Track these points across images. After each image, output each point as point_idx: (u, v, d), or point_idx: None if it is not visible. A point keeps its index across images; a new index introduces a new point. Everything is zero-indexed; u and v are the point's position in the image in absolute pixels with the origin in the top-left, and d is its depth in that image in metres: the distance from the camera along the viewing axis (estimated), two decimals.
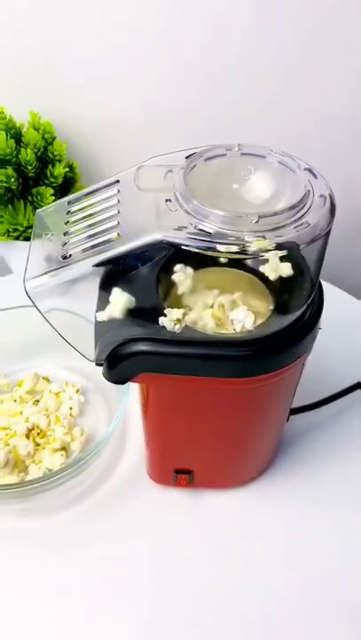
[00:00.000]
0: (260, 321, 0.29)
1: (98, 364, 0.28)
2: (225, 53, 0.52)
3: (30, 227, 0.53)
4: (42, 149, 0.52)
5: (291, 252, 0.25)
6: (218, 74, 0.53)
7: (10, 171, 0.51)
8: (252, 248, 0.25)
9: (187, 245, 0.25)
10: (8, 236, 0.54)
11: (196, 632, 0.32)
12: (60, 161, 0.53)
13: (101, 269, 0.27)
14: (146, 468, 0.39)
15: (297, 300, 0.28)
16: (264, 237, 0.25)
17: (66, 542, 0.36)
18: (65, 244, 0.27)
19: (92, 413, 0.44)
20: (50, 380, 0.46)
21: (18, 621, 0.33)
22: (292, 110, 0.55)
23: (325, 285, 0.31)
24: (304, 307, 0.28)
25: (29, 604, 0.33)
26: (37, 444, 0.40)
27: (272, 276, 0.29)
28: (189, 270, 0.30)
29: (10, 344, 0.46)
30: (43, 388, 0.45)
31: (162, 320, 0.27)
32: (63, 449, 0.40)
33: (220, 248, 0.25)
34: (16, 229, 0.53)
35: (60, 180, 0.53)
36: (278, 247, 0.25)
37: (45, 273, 0.26)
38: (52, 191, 0.52)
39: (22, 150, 0.51)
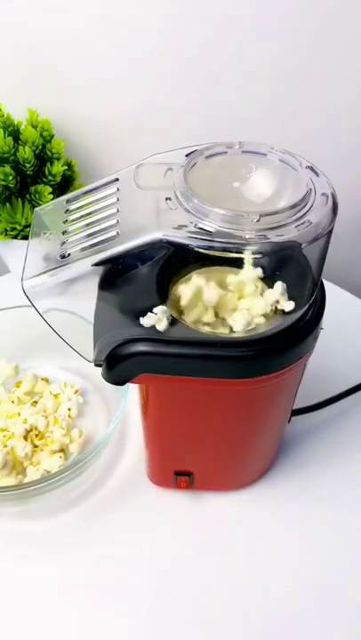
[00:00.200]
0: (260, 321, 0.29)
1: (97, 365, 0.28)
2: (225, 53, 0.51)
3: (28, 225, 0.53)
4: (40, 147, 0.52)
5: (292, 252, 0.25)
6: (218, 74, 0.53)
7: (8, 169, 0.50)
8: (253, 247, 0.24)
9: (187, 244, 0.25)
10: (6, 234, 0.53)
11: (196, 632, 0.32)
12: (58, 159, 0.53)
13: (100, 269, 0.27)
14: (145, 470, 0.39)
15: (299, 300, 0.28)
16: (265, 236, 0.25)
17: (65, 544, 0.36)
18: (63, 242, 0.27)
19: (90, 415, 0.44)
20: (48, 380, 0.46)
21: (18, 623, 0.32)
22: (292, 110, 0.55)
23: (327, 285, 0.30)
24: (306, 306, 0.28)
25: (29, 606, 0.33)
26: (35, 446, 0.40)
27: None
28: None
29: (8, 345, 0.46)
30: (41, 389, 0.45)
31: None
32: (62, 451, 0.40)
33: (221, 247, 0.25)
34: (14, 228, 0.53)
35: (58, 179, 0.53)
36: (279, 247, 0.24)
37: (44, 272, 0.26)
38: (50, 189, 0.51)
39: (20, 148, 0.50)
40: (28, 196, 0.53)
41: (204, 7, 0.49)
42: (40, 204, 0.47)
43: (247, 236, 0.24)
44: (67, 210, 0.29)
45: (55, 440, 0.40)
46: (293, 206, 0.25)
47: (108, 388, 0.42)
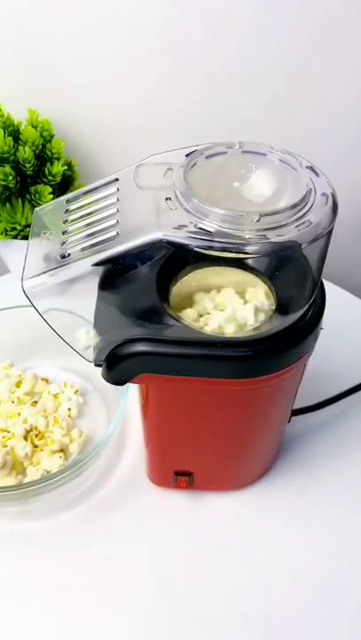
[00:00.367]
0: (261, 321, 0.29)
1: (97, 365, 0.28)
2: (225, 53, 0.51)
3: (28, 225, 0.53)
4: (40, 147, 0.52)
5: (292, 251, 0.25)
6: (218, 74, 0.53)
7: (8, 169, 0.50)
8: (253, 247, 0.24)
9: (187, 244, 0.25)
10: (6, 234, 0.53)
11: (196, 632, 0.32)
12: (58, 159, 0.53)
13: (100, 269, 0.27)
14: (145, 470, 0.39)
15: (299, 300, 0.28)
16: (265, 236, 0.25)
17: (65, 544, 0.36)
18: (63, 242, 0.27)
19: (90, 415, 0.44)
20: (48, 380, 0.46)
21: (18, 623, 0.32)
22: (292, 110, 0.55)
23: (327, 285, 0.30)
24: (306, 306, 0.28)
25: (29, 606, 0.33)
26: (35, 446, 0.40)
27: None
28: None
29: (7, 345, 0.46)
30: (41, 390, 0.45)
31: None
32: (62, 451, 0.40)
33: (221, 247, 0.25)
34: (14, 228, 0.53)
35: (58, 179, 0.53)
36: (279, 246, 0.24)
37: (44, 272, 0.26)
38: (50, 189, 0.51)
39: (20, 148, 0.50)
40: (28, 195, 0.53)
41: (204, 7, 0.49)
42: (40, 204, 0.47)
43: (247, 236, 0.24)
44: (67, 210, 0.29)
45: (55, 440, 0.40)
46: (293, 206, 0.25)
47: (108, 388, 0.42)
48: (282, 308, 0.29)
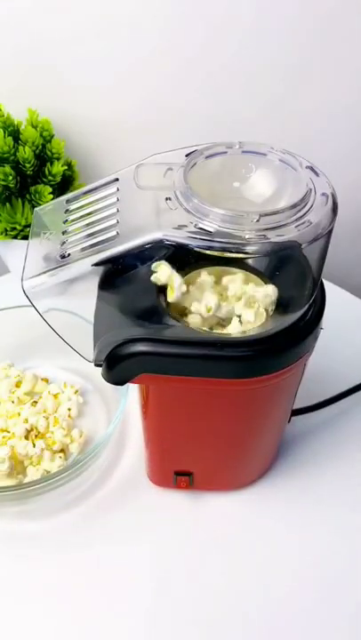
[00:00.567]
0: (261, 321, 0.28)
1: (97, 365, 0.28)
2: (225, 53, 0.51)
3: (28, 225, 0.53)
4: (40, 147, 0.52)
5: (292, 251, 0.25)
6: (218, 74, 0.53)
7: (8, 169, 0.50)
8: (253, 247, 0.24)
9: (187, 244, 0.25)
10: (6, 234, 0.53)
11: (196, 632, 0.32)
12: (58, 159, 0.53)
13: (100, 269, 0.27)
14: (145, 470, 0.39)
15: (299, 300, 0.28)
16: (265, 236, 0.25)
17: (65, 544, 0.36)
18: (63, 242, 0.27)
19: (90, 415, 0.44)
20: (48, 380, 0.46)
21: (18, 623, 0.32)
22: (292, 110, 0.55)
23: (327, 285, 0.30)
24: (306, 306, 0.28)
25: (29, 606, 0.33)
26: (41, 448, 0.40)
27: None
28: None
29: (7, 345, 0.46)
30: (41, 390, 0.45)
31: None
32: (62, 451, 0.40)
33: (221, 247, 0.25)
34: (14, 228, 0.53)
35: (58, 179, 0.53)
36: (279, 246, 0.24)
37: (44, 272, 0.26)
38: (50, 189, 0.51)
39: (20, 148, 0.50)
40: (28, 195, 0.53)
41: (204, 7, 0.49)
42: (40, 204, 0.47)
43: (247, 236, 0.24)
44: (67, 210, 0.29)
45: (55, 440, 0.40)
46: (293, 206, 0.25)
47: (108, 388, 0.42)
48: (282, 308, 0.29)
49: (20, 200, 0.53)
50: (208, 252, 0.25)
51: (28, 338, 0.43)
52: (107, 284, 0.28)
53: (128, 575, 0.35)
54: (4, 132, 0.50)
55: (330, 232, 0.26)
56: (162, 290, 0.29)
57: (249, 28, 0.50)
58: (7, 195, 0.53)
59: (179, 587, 0.34)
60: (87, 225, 0.27)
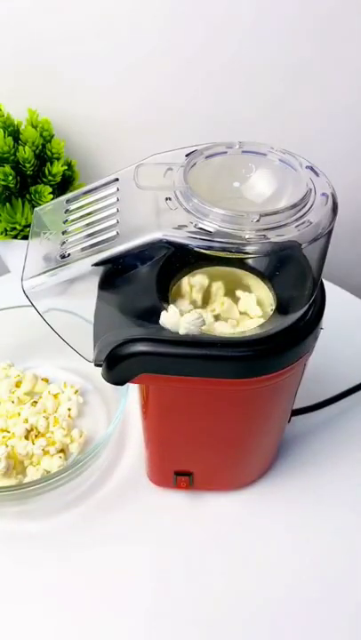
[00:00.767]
0: (261, 321, 0.28)
1: (97, 365, 0.28)
2: (225, 53, 0.51)
3: (28, 225, 0.53)
4: (40, 147, 0.52)
5: (292, 251, 0.25)
6: (218, 74, 0.53)
7: (8, 169, 0.50)
8: (253, 247, 0.24)
9: (187, 244, 0.25)
10: (6, 234, 0.53)
11: (196, 632, 0.32)
12: (58, 159, 0.53)
13: (100, 269, 0.27)
14: (145, 470, 0.39)
15: (299, 300, 0.28)
16: (265, 236, 0.25)
17: (65, 544, 0.36)
18: (63, 242, 0.27)
19: (90, 415, 0.44)
20: (48, 380, 0.46)
21: (18, 624, 0.32)
22: (292, 110, 0.55)
23: (327, 285, 0.30)
24: (306, 306, 0.28)
25: (29, 606, 0.33)
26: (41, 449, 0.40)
27: None
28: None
29: (7, 345, 0.46)
30: (41, 390, 0.45)
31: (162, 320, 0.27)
32: (62, 451, 0.40)
33: (221, 247, 0.25)
34: (14, 228, 0.53)
35: (58, 179, 0.53)
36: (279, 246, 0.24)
37: (44, 272, 0.26)
38: (50, 189, 0.51)
39: (20, 148, 0.50)
40: (28, 196, 0.53)
41: (204, 7, 0.49)
42: (40, 204, 0.47)
43: (247, 236, 0.24)
44: (67, 210, 0.29)
45: (55, 440, 0.40)
46: (293, 206, 0.25)
47: (108, 388, 0.42)
48: (282, 307, 0.29)
49: (20, 200, 0.53)
50: (208, 252, 0.25)
51: (28, 338, 0.43)
52: (107, 284, 0.28)
53: (128, 575, 0.35)
54: (4, 132, 0.50)
55: (330, 232, 0.26)
56: (162, 289, 0.29)
57: (249, 28, 0.50)
58: (7, 195, 0.53)
59: (179, 587, 0.34)
60: (87, 225, 0.27)
